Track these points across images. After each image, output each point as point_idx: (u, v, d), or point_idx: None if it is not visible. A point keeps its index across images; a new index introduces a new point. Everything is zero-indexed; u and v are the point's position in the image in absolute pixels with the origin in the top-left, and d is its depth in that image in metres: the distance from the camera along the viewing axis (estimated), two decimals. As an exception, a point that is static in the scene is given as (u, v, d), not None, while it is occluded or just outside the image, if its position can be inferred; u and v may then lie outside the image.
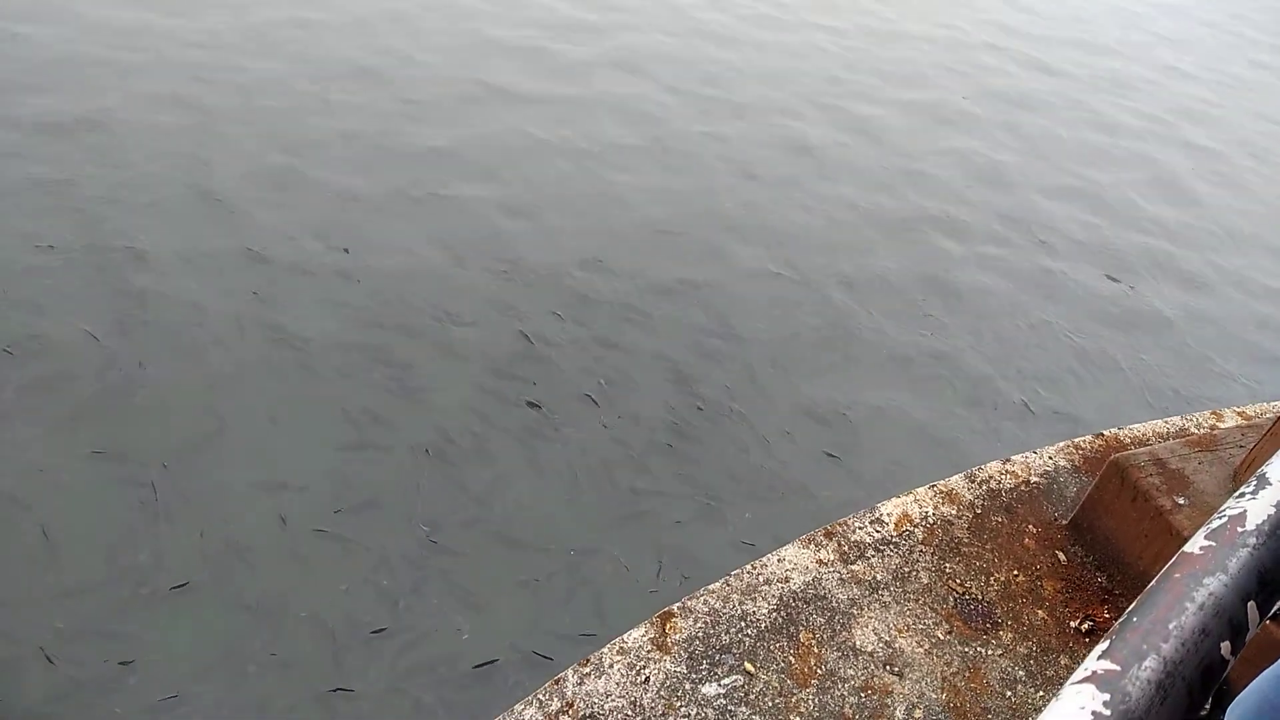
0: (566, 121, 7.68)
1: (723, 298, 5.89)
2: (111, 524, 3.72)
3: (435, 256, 5.69)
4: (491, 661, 3.52)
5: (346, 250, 5.56)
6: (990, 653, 2.17)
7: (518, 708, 1.92)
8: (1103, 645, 0.68)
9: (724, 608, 2.17)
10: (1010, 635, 2.22)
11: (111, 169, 5.85)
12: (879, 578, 2.31)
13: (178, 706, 3.18)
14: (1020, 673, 2.13)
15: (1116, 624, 0.70)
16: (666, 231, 6.46)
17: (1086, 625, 2.26)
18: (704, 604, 2.18)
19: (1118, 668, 0.65)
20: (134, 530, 3.70)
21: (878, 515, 2.50)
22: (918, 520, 2.49)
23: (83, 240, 5.18)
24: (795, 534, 4.09)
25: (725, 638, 2.10)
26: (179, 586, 3.53)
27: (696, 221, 6.68)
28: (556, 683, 1.98)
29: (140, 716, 3.14)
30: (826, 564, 2.32)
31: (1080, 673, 0.66)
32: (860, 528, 2.45)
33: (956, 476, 2.66)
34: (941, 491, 2.60)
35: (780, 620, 2.16)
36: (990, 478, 2.67)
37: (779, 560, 2.32)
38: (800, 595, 2.23)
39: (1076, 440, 2.93)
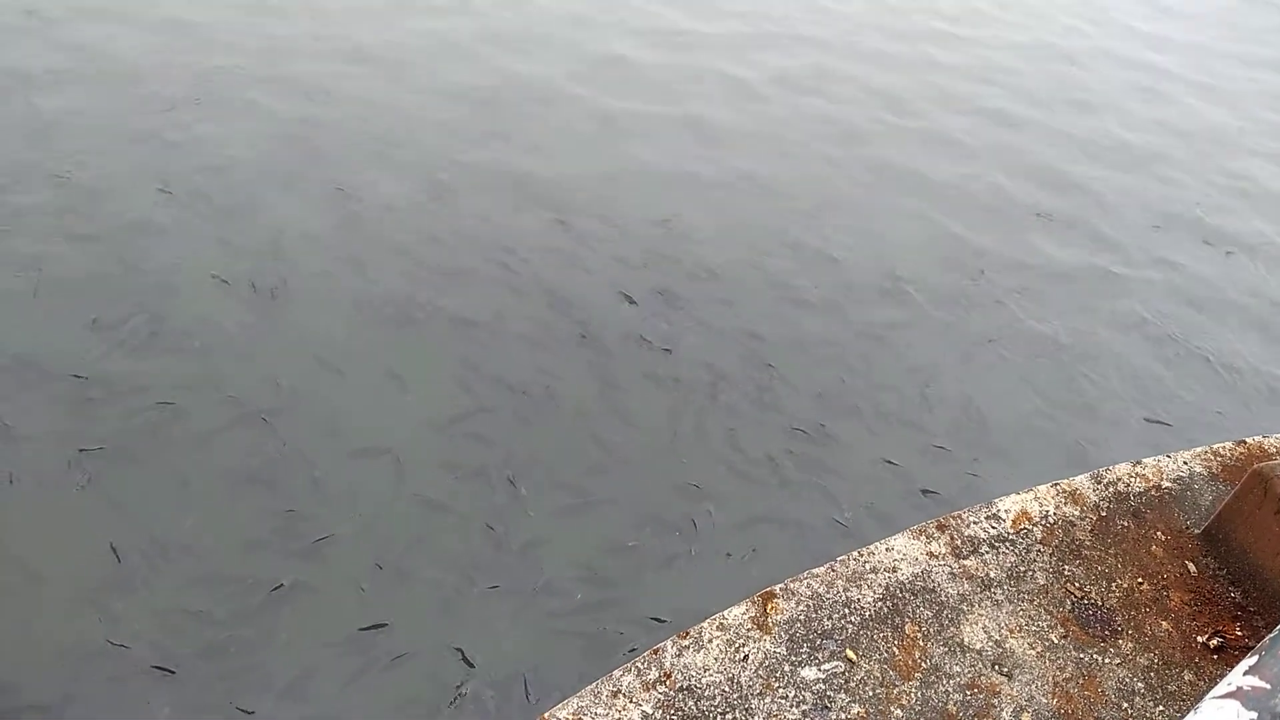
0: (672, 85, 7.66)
1: (834, 277, 5.79)
2: (243, 472, 3.92)
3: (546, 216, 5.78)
4: (599, 628, 3.58)
5: (436, 203, 5.76)
6: (1107, 661, 2.07)
7: (616, 674, 1.95)
8: (1250, 660, 0.64)
9: (828, 593, 2.14)
10: (1130, 645, 2.12)
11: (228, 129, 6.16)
12: (992, 575, 2.23)
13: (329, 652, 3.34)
14: (1139, 684, 2.03)
15: (1267, 639, 0.65)
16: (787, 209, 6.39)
17: (1215, 641, 2.13)
18: (807, 587, 2.15)
19: (1267, 686, 0.61)
20: (267, 481, 3.90)
21: (994, 511, 2.41)
22: (1037, 519, 2.39)
23: (197, 187, 5.50)
24: (897, 519, 4.02)
25: (827, 623, 2.07)
26: (322, 539, 3.70)
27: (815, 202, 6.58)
28: (655, 653, 1.99)
29: (287, 664, 3.30)
30: (937, 557, 2.26)
31: (1224, 687, 0.62)
32: (975, 522, 2.37)
33: (1081, 476, 2.54)
34: (1064, 491, 2.49)
35: (885, 610, 2.12)
36: (1118, 480, 2.54)
37: (887, 549, 2.27)
38: (908, 586, 2.18)
39: (1215, 446, 2.76)
